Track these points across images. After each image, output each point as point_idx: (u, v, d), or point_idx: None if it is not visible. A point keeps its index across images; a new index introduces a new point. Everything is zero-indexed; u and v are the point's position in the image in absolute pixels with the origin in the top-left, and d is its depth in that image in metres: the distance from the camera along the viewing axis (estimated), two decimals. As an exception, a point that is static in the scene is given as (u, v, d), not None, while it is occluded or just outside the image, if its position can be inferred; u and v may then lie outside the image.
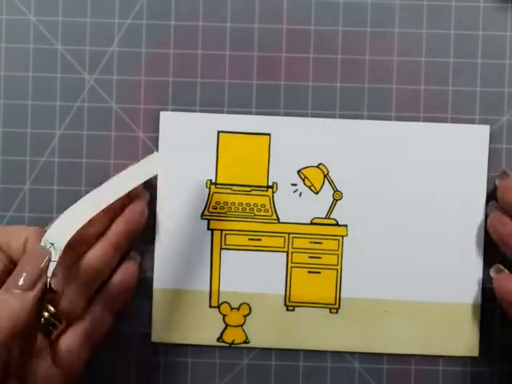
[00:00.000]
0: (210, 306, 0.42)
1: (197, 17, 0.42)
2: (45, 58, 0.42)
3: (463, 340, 0.41)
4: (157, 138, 0.42)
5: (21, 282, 0.34)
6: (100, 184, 0.38)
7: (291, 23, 0.42)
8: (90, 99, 0.42)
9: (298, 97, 0.42)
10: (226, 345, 0.42)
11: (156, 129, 0.42)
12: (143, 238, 0.42)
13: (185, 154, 0.42)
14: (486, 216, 0.41)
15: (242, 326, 0.42)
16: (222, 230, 0.42)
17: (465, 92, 0.42)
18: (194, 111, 0.42)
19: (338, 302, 0.42)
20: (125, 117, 0.42)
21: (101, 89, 0.42)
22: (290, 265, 0.42)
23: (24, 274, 0.34)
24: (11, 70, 0.42)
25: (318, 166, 0.42)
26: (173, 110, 0.42)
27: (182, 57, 0.42)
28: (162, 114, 0.42)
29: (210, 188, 0.42)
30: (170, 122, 0.42)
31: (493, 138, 0.42)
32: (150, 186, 0.41)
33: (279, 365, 0.42)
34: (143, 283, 0.42)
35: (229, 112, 0.42)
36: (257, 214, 0.42)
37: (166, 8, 0.42)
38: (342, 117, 0.42)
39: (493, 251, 0.41)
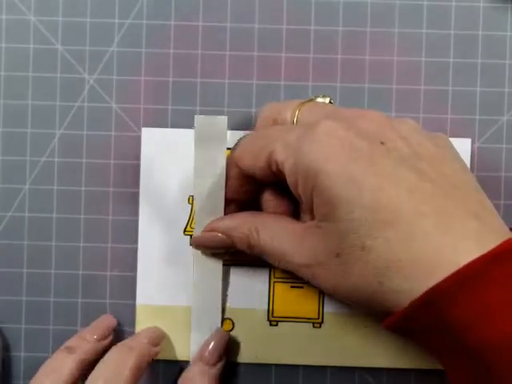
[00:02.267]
0: None
1: (197, 17, 0.42)
2: (45, 57, 0.42)
3: None
4: (157, 138, 0.42)
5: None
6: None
7: (291, 23, 0.42)
8: (90, 99, 0.42)
9: (298, 97, 0.42)
10: None
11: (156, 129, 0.42)
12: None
13: (167, 170, 0.41)
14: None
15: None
16: None
17: (465, 92, 0.42)
18: (195, 111, 0.42)
19: (321, 316, 0.41)
20: (125, 117, 0.42)
21: (101, 89, 0.42)
22: (272, 279, 0.41)
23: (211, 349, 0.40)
24: (11, 70, 0.42)
25: None
26: (173, 110, 0.42)
27: (182, 57, 0.42)
28: (144, 129, 0.42)
29: (192, 204, 0.42)
30: (152, 137, 0.41)
31: (493, 137, 0.42)
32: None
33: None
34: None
35: (229, 112, 0.42)
36: None
37: (165, 8, 0.42)
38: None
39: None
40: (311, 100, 0.37)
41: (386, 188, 0.31)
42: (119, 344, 0.39)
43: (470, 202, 0.31)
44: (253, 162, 0.35)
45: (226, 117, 0.38)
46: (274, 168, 0.35)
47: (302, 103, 0.37)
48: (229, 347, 0.41)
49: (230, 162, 0.37)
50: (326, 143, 0.32)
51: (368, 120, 0.33)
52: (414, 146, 0.33)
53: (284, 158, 0.33)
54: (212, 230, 0.38)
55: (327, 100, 0.38)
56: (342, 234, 0.31)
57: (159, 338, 0.41)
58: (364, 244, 0.31)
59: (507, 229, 0.32)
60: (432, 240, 0.30)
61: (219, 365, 0.40)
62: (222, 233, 0.38)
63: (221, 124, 0.38)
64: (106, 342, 0.40)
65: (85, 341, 0.39)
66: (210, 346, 0.40)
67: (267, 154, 0.34)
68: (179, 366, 0.42)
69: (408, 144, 0.33)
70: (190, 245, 0.40)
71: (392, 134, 0.33)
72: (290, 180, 0.34)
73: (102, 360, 0.38)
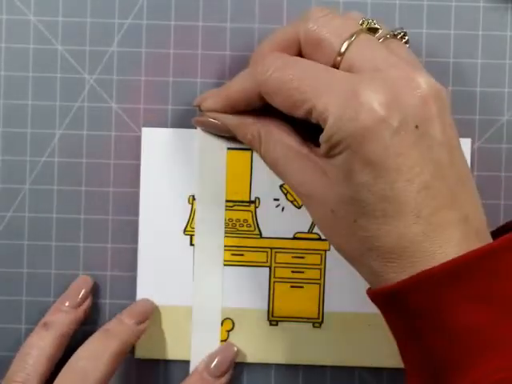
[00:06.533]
0: None
1: (197, 17, 0.42)
2: (45, 57, 0.42)
3: None
4: (157, 138, 0.42)
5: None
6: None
7: (291, 23, 0.42)
8: (90, 99, 0.42)
9: (298, 97, 0.42)
10: None
11: (156, 129, 0.42)
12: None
13: (167, 170, 0.41)
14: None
15: (225, 341, 0.41)
16: None
17: (465, 92, 0.42)
18: (194, 111, 0.42)
19: (321, 316, 0.41)
20: (125, 117, 0.42)
21: (101, 89, 0.42)
22: (272, 279, 0.41)
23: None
24: (11, 70, 0.42)
25: None
26: (173, 109, 0.42)
27: (182, 57, 0.42)
28: (144, 129, 0.42)
29: (192, 204, 0.42)
30: (152, 137, 0.42)
31: (493, 137, 0.42)
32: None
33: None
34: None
35: (229, 112, 0.42)
36: (239, 229, 0.41)
37: (165, 8, 0.42)
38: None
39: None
40: (363, 23, 0.35)
41: (402, 181, 0.31)
42: (101, 329, 0.39)
43: (464, 202, 0.32)
44: (286, 104, 0.34)
45: None
46: (313, 120, 0.33)
47: (354, 33, 0.33)
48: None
49: (248, 77, 0.36)
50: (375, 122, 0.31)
51: (416, 93, 0.32)
52: (438, 131, 0.32)
53: (331, 116, 0.32)
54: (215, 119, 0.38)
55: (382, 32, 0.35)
56: (345, 197, 0.32)
57: (147, 313, 0.41)
58: (357, 220, 0.32)
59: (487, 230, 0.33)
60: (418, 246, 0.31)
61: (225, 378, 0.40)
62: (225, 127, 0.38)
63: None
64: (84, 307, 0.41)
65: (60, 312, 0.40)
66: (216, 360, 0.40)
67: (308, 107, 0.32)
68: (179, 366, 0.42)
69: (436, 128, 0.32)
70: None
71: (427, 113, 0.32)
72: (328, 135, 0.32)
73: (82, 345, 0.38)
